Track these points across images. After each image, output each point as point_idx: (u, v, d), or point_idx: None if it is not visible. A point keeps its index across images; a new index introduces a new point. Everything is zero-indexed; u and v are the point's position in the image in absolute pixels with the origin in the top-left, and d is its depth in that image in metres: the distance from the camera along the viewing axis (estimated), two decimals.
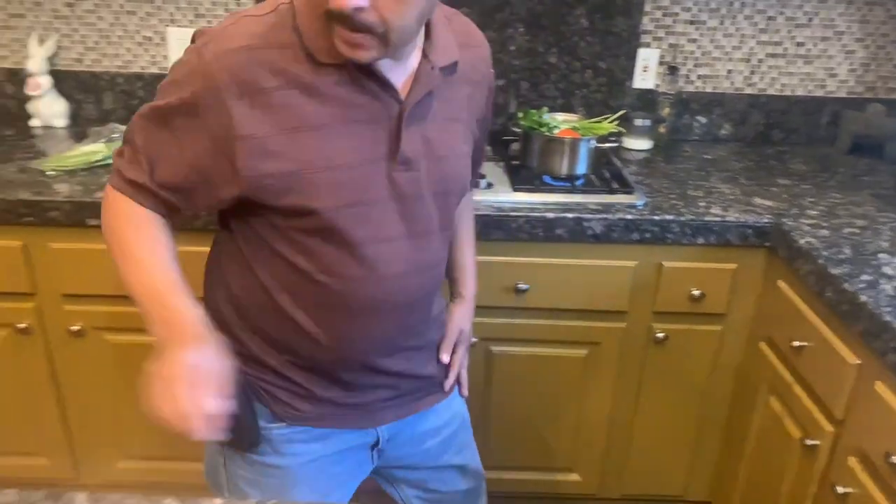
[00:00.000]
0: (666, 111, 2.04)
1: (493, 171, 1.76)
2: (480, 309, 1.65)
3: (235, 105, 0.85)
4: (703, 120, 2.12)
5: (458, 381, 1.26)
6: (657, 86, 2.07)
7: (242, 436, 1.03)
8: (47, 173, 1.63)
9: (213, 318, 1.01)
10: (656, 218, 1.58)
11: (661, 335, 1.69)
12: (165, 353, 0.87)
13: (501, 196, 1.64)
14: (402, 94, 0.93)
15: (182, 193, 0.95)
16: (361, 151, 0.91)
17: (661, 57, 2.05)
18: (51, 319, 1.65)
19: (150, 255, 0.95)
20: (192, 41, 0.90)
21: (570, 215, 1.58)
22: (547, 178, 1.70)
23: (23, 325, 1.64)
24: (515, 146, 1.92)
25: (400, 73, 0.92)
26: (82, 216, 1.54)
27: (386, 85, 0.91)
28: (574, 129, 1.71)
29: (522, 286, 1.63)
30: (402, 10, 0.82)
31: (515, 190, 1.65)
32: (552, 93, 2.07)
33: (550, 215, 1.57)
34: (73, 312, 1.64)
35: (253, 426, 1.04)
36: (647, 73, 2.06)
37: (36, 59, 1.92)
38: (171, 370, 0.85)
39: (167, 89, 0.91)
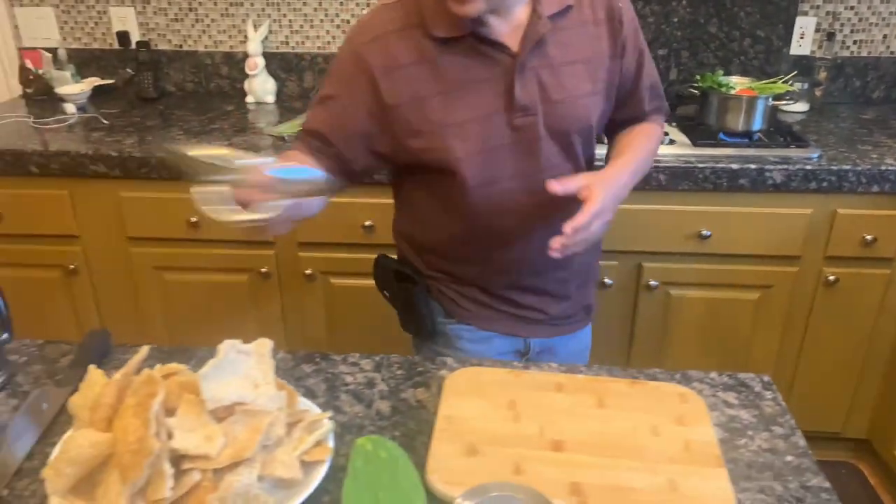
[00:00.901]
0: (822, 75, 2.16)
1: (668, 129, 1.93)
2: (663, 255, 1.85)
3: (382, 80, 1.03)
4: (857, 83, 2.23)
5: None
6: (813, 52, 2.19)
7: (422, 327, 1.25)
8: (285, 136, 1.90)
9: (400, 244, 1.26)
10: (834, 168, 1.72)
11: (832, 278, 1.83)
12: None
13: (683, 150, 1.81)
14: (515, 49, 1.04)
15: (328, 142, 1.08)
16: (483, 106, 1.05)
17: (818, 24, 2.17)
18: (287, 265, 1.92)
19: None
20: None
21: (752, 166, 1.73)
22: (722, 136, 1.86)
23: (264, 270, 1.91)
24: (683, 109, 2.08)
25: (510, 30, 1.04)
26: None
27: (497, 45, 1.03)
28: (750, 88, 1.86)
29: (705, 232, 1.80)
30: None
31: (696, 145, 1.82)
32: (711, 60, 2.21)
33: (735, 166, 1.73)
34: (306, 258, 1.91)
35: (429, 319, 1.25)
36: (803, 40, 2.18)
37: (253, 42, 2.20)
38: None
39: (329, 81, 1.09)
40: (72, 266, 1.94)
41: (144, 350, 0.78)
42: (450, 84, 1.04)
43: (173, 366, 0.79)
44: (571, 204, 1.06)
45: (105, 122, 2.05)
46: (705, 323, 1.92)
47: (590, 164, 1.23)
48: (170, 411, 0.73)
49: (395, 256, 1.30)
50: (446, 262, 1.22)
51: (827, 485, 0.81)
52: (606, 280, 1.86)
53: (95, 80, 2.28)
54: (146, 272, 1.95)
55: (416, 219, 1.21)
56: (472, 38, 1.03)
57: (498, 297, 1.23)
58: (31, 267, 1.96)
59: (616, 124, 1.26)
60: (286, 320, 1.99)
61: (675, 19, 2.17)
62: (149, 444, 0.67)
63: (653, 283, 1.86)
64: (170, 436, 0.70)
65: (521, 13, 1.05)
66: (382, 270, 1.27)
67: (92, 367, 0.77)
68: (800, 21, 2.16)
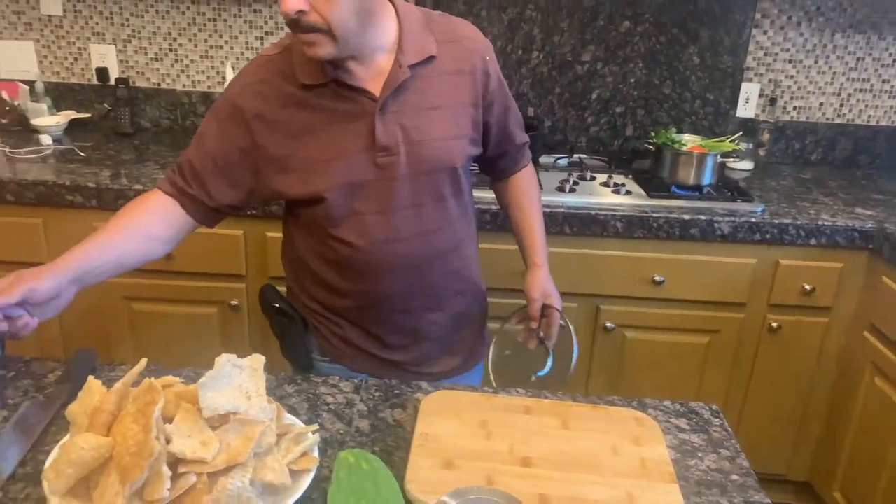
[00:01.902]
0: (765, 137, 2.34)
1: (624, 181, 2.06)
2: (619, 299, 1.95)
3: (253, 122, 1.12)
4: (797, 145, 2.41)
5: (544, 339, 1.39)
6: (757, 115, 2.37)
7: (297, 360, 1.30)
8: None
9: (286, 270, 1.33)
10: (776, 221, 1.87)
11: (775, 325, 1.95)
12: None
13: (638, 201, 1.93)
14: (377, 94, 1.12)
15: (204, 178, 1.16)
16: (347, 145, 1.12)
17: (762, 90, 2.35)
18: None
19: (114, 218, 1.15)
20: None
21: (702, 217, 1.86)
22: (675, 188, 1.99)
23: (234, 302, 1.95)
24: (638, 163, 2.23)
25: (372, 76, 1.12)
26: None
27: (359, 90, 1.11)
28: (700, 146, 2.01)
29: (658, 278, 1.91)
30: (335, 6, 1.00)
31: (651, 196, 1.95)
32: (664, 119, 2.37)
33: (686, 217, 1.86)
34: None
35: (304, 354, 1.30)
36: (748, 103, 2.36)
37: None
38: None
39: (206, 122, 1.18)
40: None
41: (143, 362, 0.83)
42: (316, 125, 1.12)
43: (168, 378, 0.84)
44: (436, 242, 1.21)
45: (81, 154, 2.08)
46: (658, 363, 2.02)
47: (459, 201, 1.27)
48: (167, 419, 0.77)
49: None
50: (322, 291, 1.25)
51: (768, 501, 0.89)
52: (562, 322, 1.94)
53: (72, 114, 2.32)
54: (115, 302, 1.97)
55: (295, 248, 1.26)
56: (334, 85, 1.11)
57: (369, 335, 1.27)
58: None
59: (493, 160, 1.37)
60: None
61: (632, 80, 2.33)
62: (150, 446, 0.71)
63: (609, 324, 1.96)
64: (168, 441, 0.74)
65: (384, 61, 1.13)
66: (264, 301, 1.32)
67: (91, 378, 0.81)
68: (745, 87, 2.34)
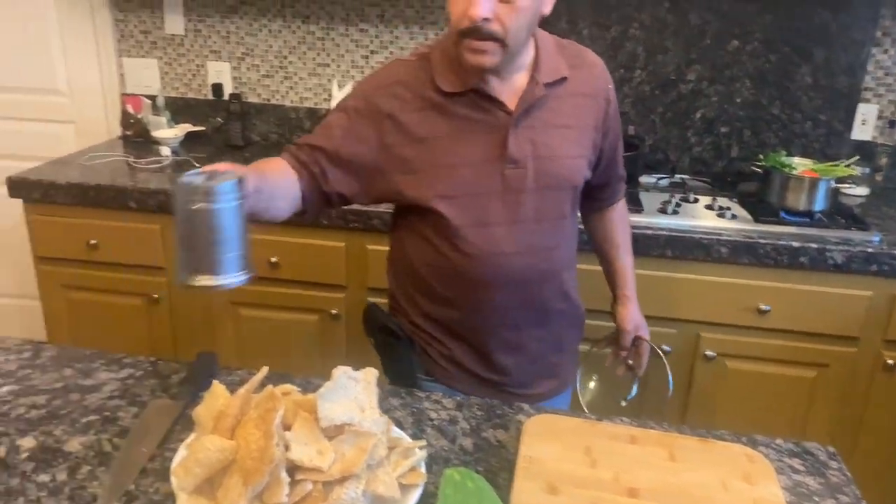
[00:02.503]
0: (883, 161, 2.22)
1: (729, 204, 2.00)
2: (721, 326, 1.89)
3: (386, 122, 1.15)
4: None
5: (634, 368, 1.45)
6: (874, 138, 2.25)
7: (401, 379, 1.28)
8: None
9: (390, 291, 1.34)
10: (895, 252, 1.76)
11: (890, 362, 1.84)
12: None
13: (745, 225, 1.87)
14: (512, 108, 1.15)
15: (324, 162, 1.17)
16: (477, 154, 1.15)
17: (880, 112, 2.23)
18: (356, 307, 2.02)
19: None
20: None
21: (813, 245, 1.78)
22: (784, 214, 1.91)
23: (335, 311, 2.01)
24: (744, 185, 2.15)
25: (508, 92, 1.16)
26: None
27: (496, 101, 1.15)
28: (812, 170, 1.93)
29: (764, 307, 1.84)
30: (517, 18, 1.06)
31: (758, 221, 1.88)
32: (772, 140, 2.29)
33: (796, 244, 1.78)
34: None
35: (410, 374, 1.28)
36: (864, 125, 2.25)
37: (337, 100, 2.35)
38: None
39: (335, 114, 1.20)
40: (155, 295, 2.06)
41: (264, 370, 0.87)
42: (448, 131, 1.15)
43: (287, 386, 0.88)
44: (552, 259, 1.24)
45: (196, 164, 2.21)
46: (760, 396, 1.94)
47: (574, 221, 1.31)
48: (285, 427, 0.80)
49: (383, 300, 1.37)
50: (431, 303, 1.26)
51: None
52: (665, 346, 1.90)
53: (188, 127, 2.46)
54: (224, 306, 2.06)
55: (406, 257, 1.27)
56: (473, 94, 1.15)
57: (474, 350, 1.27)
58: (119, 294, 2.09)
59: (595, 188, 1.37)
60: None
61: (739, 99, 2.26)
62: (271, 452, 0.75)
63: (710, 353, 1.90)
64: (286, 448, 0.77)
65: (520, 79, 1.17)
66: (369, 321, 1.34)
67: (216, 382, 0.86)
68: (861, 108, 2.23)
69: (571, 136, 1.23)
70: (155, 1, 2.41)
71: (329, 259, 1.97)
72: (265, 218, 1.07)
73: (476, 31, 1.06)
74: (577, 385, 1.44)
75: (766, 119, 2.27)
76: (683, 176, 2.25)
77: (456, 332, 1.27)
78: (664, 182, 2.20)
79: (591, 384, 1.50)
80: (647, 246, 1.83)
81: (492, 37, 1.06)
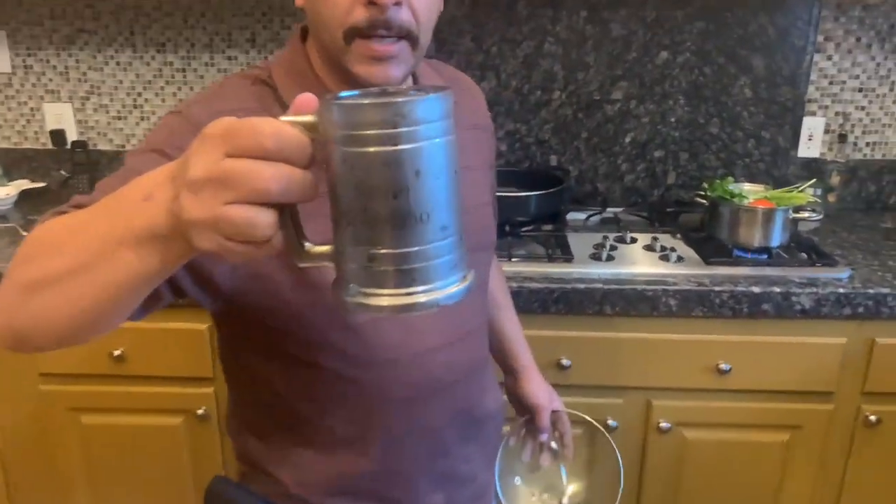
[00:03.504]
0: (835, 180, 1.97)
1: (672, 243, 1.70)
2: (676, 392, 1.57)
3: None
4: (872, 188, 2.03)
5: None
6: (823, 154, 2.00)
7: None
8: None
9: (243, 460, 0.93)
10: (870, 291, 1.48)
11: (872, 418, 1.56)
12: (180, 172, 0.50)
13: (694, 269, 1.56)
14: None
15: None
16: None
17: (827, 125, 1.99)
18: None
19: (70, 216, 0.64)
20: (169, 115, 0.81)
21: (776, 289, 1.49)
22: (737, 252, 1.62)
23: (201, 412, 1.60)
24: (686, 218, 1.86)
25: None
26: None
27: None
28: (766, 198, 1.64)
29: (724, 366, 1.53)
30: (429, 6, 0.78)
31: (709, 263, 1.58)
32: (712, 163, 2.01)
33: (756, 289, 1.49)
34: None
35: None
36: (811, 141, 2.00)
37: None
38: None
39: (155, 140, 0.78)
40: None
41: None
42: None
43: None
44: (478, 346, 0.97)
45: (24, 233, 1.77)
46: (727, 468, 1.62)
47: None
48: None
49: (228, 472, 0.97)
50: (319, 454, 0.88)
51: None
52: (610, 421, 1.57)
53: (24, 183, 2.01)
54: (60, 415, 1.62)
55: (264, 384, 0.88)
56: None
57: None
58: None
59: None
60: (227, 470, 1.66)
61: (673, 119, 1.98)
62: None
63: (664, 424, 1.58)
64: None
65: None
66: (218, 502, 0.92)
67: None
68: (808, 122, 1.98)
69: (477, 179, 0.95)
70: None
71: (189, 345, 1.56)
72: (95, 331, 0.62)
73: (382, 25, 0.74)
74: (500, 493, 1.10)
75: (704, 139, 2.00)
76: (616, 209, 1.95)
77: (365, 492, 0.89)
78: (595, 219, 1.89)
79: (516, 485, 1.17)
80: (581, 303, 1.50)
81: (402, 32, 0.75)
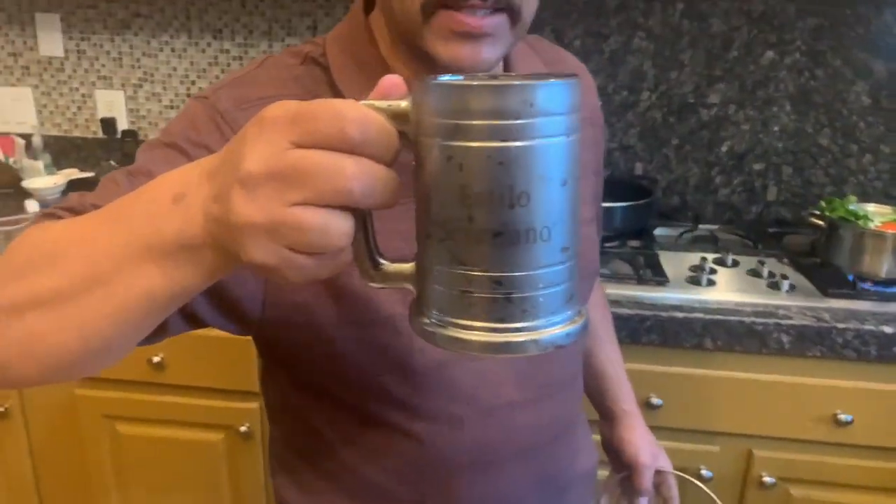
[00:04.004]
0: None
1: (780, 268, 1.48)
2: (782, 442, 1.36)
3: None
4: None
5: None
6: None
7: None
8: None
9: (283, 488, 0.78)
10: None
11: None
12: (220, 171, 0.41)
13: (811, 301, 1.35)
14: None
15: None
16: None
17: None
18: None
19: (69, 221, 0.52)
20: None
21: None
22: (862, 284, 1.39)
23: (244, 429, 1.45)
24: (790, 240, 1.65)
25: None
26: None
27: None
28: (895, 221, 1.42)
29: (844, 417, 1.31)
30: None
31: (828, 295, 1.36)
32: (820, 179, 1.78)
33: (889, 329, 1.26)
34: None
35: None
36: None
37: None
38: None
39: (173, 132, 0.64)
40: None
41: None
42: None
43: None
44: (574, 397, 0.79)
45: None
46: None
47: None
48: None
49: None
50: None
51: None
52: (704, 471, 1.37)
53: (73, 173, 1.91)
54: (95, 422, 1.50)
55: (311, 432, 0.73)
56: None
57: None
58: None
59: None
60: (269, 495, 1.51)
61: (776, 127, 1.76)
62: None
63: (767, 478, 1.36)
64: None
65: None
66: None
67: None
68: None
69: (581, 189, 0.74)
70: (24, 15, 1.88)
71: (234, 355, 1.41)
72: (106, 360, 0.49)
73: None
74: None
75: (811, 152, 1.77)
76: (709, 226, 1.74)
77: None
78: (687, 236, 1.68)
79: None
80: (678, 334, 1.31)
81: (500, 3, 0.57)
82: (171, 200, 0.41)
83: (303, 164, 0.36)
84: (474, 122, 0.35)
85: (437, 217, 0.38)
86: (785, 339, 1.29)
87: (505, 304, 0.38)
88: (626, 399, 0.95)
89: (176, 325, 0.59)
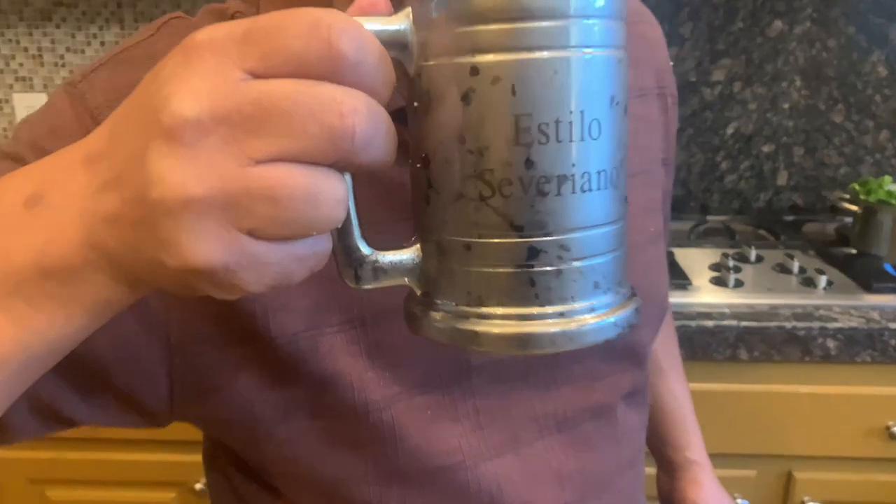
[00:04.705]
0: None
1: (810, 262, 1.31)
2: (826, 461, 1.19)
3: None
4: None
5: None
6: None
7: None
8: None
9: None
10: None
11: None
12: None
13: (852, 300, 1.18)
14: None
15: None
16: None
17: None
18: None
19: None
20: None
21: None
22: None
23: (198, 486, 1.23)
24: (812, 228, 1.48)
25: None
26: None
27: None
28: None
29: None
30: None
31: (873, 290, 1.19)
32: (834, 160, 1.62)
33: None
34: None
35: None
36: None
37: None
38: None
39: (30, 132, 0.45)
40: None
41: None
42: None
43: None
44: (627, 482, 0.57)
45: None
46: None
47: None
48: None
49: None
50: None
51: None
52: (740, 500, 1.19)
53: None
54: (15, 486, 1.26)
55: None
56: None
57: None
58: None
59: None
60: None
61: (786, 105, 1.60)
62: None
63: (810, 502, 1.19)
64: None
65: None
66: None
67: None
68: None
69: (637, 200, 0.53)
70: None
71: None
72: None
73: None
74: None
75: (824, 130, 1.61)
76: (719, 217, 1.57)
77: None
78: (700, 229, 1.50)
79: None
80: (708, 346, 1.12)
81: None
82: (21, 206, 0.28)
83: (270, 98, 0.24)
84: (534, 25, 0.26)
85: (467, 170, 0.28)
86: (831, 344, 1.12)
87: (575, 276, 0.29)
88: (692, 446, 0.75)
89: (23, 424, 0.38)
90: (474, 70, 0.27)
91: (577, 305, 0.28)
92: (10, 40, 1.64)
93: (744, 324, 1.12)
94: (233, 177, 0.24)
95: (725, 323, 1.12)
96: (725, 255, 1.31)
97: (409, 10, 0.28)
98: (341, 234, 0.29)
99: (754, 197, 1.66)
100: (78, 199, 0.27)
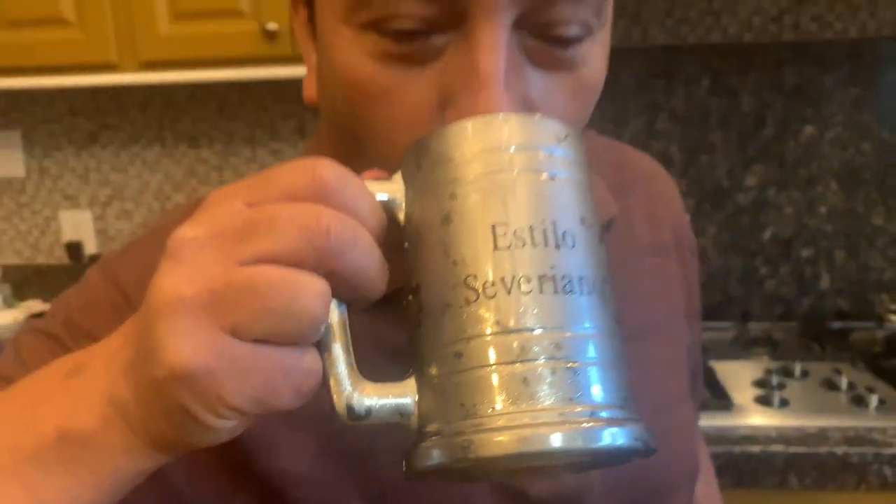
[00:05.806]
0: None
1: (858, 377, 1.24)
2: None
3: None
4: None
5: None
6: None
7: None
8: None
9: None
10: None
11: None
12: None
13: None
14: None
15: None
16: None
17: None
18: None
19: None
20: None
21: None
22: None
23: None
24: (860, 336, 1.42)
25: None
26: None
27: None
28: None
29: None
30: (583, 107, 0.39)
31: None
32: (878, 263, 1.58)
33: None
34: None
35: None
36: None
37: None
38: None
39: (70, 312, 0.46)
40: None
41: None
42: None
43: None
44: None
45: None
46: None
47: None
48: None
49: None
50: None
51: None
52: None
53: (35, 305, 1.70)
54: None
55: None
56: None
57: None
58: None
59: None
60: None
61: (823, 208, 1.57)
62: None
63: None
64: None
65: None
66: None
67: None
68: None
69: (660, 359, 0.53)
70: None
71: None
72: None
73: None
74: None
75: (865, 233, 1.57)
76: (760, 324, 1.52)
77: None
78: (741, 339, 1.45)
79: None
80: (756, 472, 1.06)
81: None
82: (62, 377, 0.30)
83: (259, 212, 0.27)
84: (505, 155, 0.30)
85: (452, 279, 0.29)
86: (888, 472, 1.05)
87: (570, 377, 0.28)
88: None
89: None
90: (452, 196, 0.29)
91: (578, 408, 0.28)
92: (58, 161, 1.72)
93: (792, 449, 1.06)
94: (217, 276, 0.26)
95: (772, 448, 1.06)
96: (769, 371, 1.26)
97: (398, 174, 0.31)
98: (333, 362, 0.29)
99: (797, 301, 1.61)
100: (112, 363, 0.29)
